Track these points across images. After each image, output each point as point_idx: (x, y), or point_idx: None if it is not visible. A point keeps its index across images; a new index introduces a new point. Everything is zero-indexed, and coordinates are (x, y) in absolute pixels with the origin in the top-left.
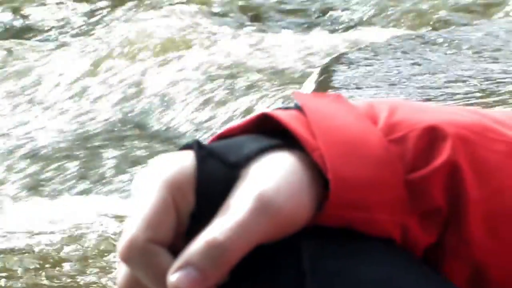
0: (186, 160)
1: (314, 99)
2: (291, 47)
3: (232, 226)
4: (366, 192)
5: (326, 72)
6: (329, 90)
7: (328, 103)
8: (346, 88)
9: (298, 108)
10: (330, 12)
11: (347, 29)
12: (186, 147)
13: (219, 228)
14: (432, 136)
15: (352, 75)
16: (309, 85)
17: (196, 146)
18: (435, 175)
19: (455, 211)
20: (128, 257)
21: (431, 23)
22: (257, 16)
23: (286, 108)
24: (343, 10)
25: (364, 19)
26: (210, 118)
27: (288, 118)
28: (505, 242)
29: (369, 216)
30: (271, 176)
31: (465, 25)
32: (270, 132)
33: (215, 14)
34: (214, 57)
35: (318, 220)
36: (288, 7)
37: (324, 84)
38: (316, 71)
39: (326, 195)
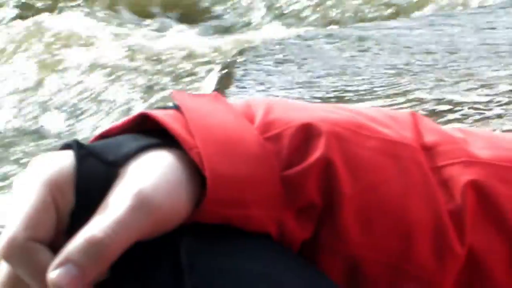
0: (66, 159)
1: (192, 98)
2: (186, 47)
3: (110, 223)
4: (243, 189)
5: (227, 69)
6: (230, 87)
7: (206, 102)
8: (246, 86)
9: (177, 107)
10: (230, 10)
11: (248, 27)
12: (66, 146)
13: (97, 225)
14: (307, 133)
15: (254, 72)
16: (210, 82)
17: (75, 145)
18: (310, 172)
19: (329, 207)
20: (8, 255)
21: (344, 17)
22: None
23: (165, 108)
24: (244, 7)
25: (268, 17)
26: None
27: (167, 117)
28: (379, 237)
29: (246, 212)
30: (149, 174)
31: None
32: (149, 131)
33: (101, 13)
34: (97, 57)
35: (197, 217)
36: (182, 5)
37: (225, 82)
38: (217, 68)
39: (204, 193)
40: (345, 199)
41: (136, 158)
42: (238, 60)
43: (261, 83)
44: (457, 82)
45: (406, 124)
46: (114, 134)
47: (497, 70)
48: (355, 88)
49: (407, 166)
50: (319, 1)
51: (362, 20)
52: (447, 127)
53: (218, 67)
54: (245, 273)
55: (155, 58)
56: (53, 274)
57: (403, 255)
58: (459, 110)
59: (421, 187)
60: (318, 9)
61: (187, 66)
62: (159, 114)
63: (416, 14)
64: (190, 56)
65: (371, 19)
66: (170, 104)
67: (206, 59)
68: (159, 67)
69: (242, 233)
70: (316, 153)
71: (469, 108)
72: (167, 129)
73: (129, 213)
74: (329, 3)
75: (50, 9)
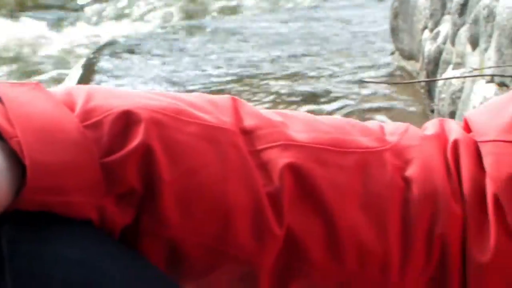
0: None
1: (12, 88)
2: (49, 39)
3: None
4: (62, 176)
5: (90, 61)
6: (94, 76)
7: (26, 91)
8: (109, 76)
9: None
10: (94, 5)
11: (110, 20)
12: None
13: None
14: (126, 120)
15: (115, 64)
16: (73, 74)
17: None
18: (129, 158)
19: (149, 192)
20: None
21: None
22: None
23: None
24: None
25: (128, 10)
26: None
27: None
28: (198, 220)
29: (66, 199)
30: None
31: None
32: None
33: None
34: None
35: (18, 205)
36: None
37: (88, 72)
38: (82, 61)
39: (25, 182)
40: (164, 184)
41: None
42: (100, 54)
43: (119, 77)
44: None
45: (226, 109)
46: None
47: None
48: (219, 79)
49: (226, 150)
50: None
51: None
52: (269, 111)
53: (82, 60)
54: (63, 259)
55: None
56: None
57: (222, 237)
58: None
59: (240, 171)
60: (179, 4)
61: (45, 60)
62: None
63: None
64: (53, 48)
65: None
66: None
67: (69, 52)
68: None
69: (63, 219)
70: (136, 140)
71: None
72: None
73: None
74: None
75: None
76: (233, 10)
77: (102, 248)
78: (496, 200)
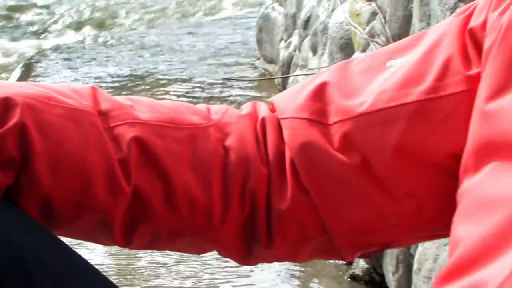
0: None
1: None
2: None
3: None
4: None
5: (27, 66)
6: (28, 79)
7: None
8: (40, 80)
9: None
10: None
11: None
12: None
13: None
14: (6, 105)
15: (47, 70)
16: (15, 75)
17: None
18: (8, 133)
19: (25, 160)
20: None
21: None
22: None
23: None
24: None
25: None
26: None
27: None
28: (64, 180)
29: None
30: None
31: None
32: None
33: None
34: None
35: None
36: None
37: (25, 75)
38: (20, 64)
39: None
40: (37, 154)
41: None
42: (35, 59)
43: (53, 76)
44: None
45: (87, 96)
46: None
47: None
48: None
49: (86, 127)
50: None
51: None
52: (120, 97)
53: (21, 64)
54: None
55: None
56: None
57: (83, 193)
58: None
59: (97, 143)
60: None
61: None
62: None
63: None
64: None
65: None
66: None
67: (11, 58)
68: None
69: None
70: (13, 120)
71: None
72: None
73: None
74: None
75: None
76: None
77: None
78: (292, 163)
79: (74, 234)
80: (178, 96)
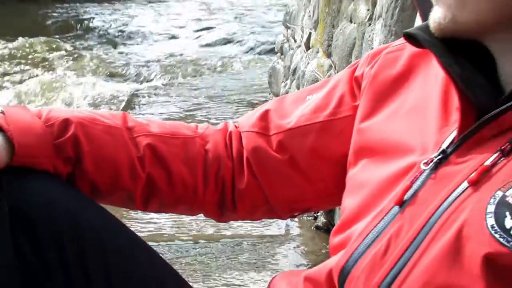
0: None
1: (11, 107)
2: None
3: None
4: (34, 149)
5: (128, 100)
6: (129, 109)
7: (18, 108)
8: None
9: (2, 112)
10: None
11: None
12: None
13: None
14: (66, 123)
15: (143, 103)
16: (120, 105)
17: None
18: (67, 141)
19: (78, 157)
20: None
21: None
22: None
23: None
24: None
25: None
26: None
27: None
28: (103, 170)
29: (36, 160)
30: None
31: None
32: None
33: None
34: None
35: (13, 164)
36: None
37: (127, 106)
38: (124, 98)
39: (14, 152)
40: (85, 154)
41: None
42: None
43: (148, 108)
44: None
45: (119, 118)
46: None
47: None
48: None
49: (117, 137)
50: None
51: None
52: (142, 119)
53: (125, 98)
54: (38, 191)
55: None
56: None
57: (115, 179)
58: None
59: (124, 147)
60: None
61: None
62: None
63: None
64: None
65: None
66: None
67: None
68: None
69: (36, 171)
70: (70, 132)
71: None
72: None
73: None
74: None
75: None
76: None
77: (60, 185)
78: (248, 160)
79: (112, 203)
80: None
